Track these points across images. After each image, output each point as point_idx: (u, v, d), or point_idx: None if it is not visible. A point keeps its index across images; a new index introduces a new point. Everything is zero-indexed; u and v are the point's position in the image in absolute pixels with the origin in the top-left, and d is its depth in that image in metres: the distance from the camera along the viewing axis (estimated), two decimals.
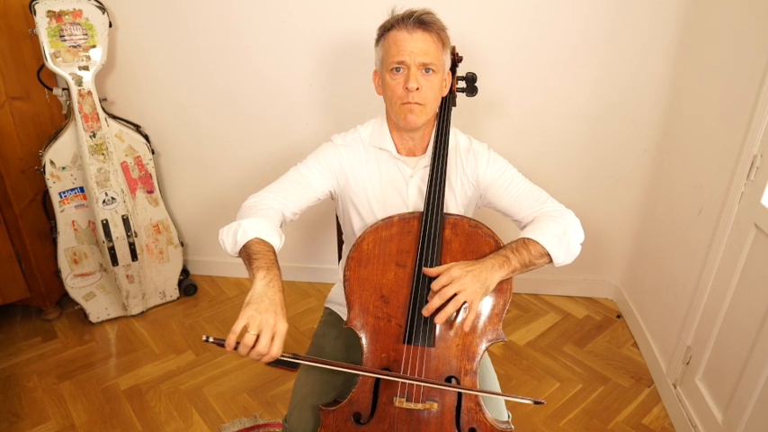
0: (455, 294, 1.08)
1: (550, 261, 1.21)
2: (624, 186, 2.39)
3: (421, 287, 1.15)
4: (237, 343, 0.95)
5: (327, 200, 1.40)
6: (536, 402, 1.11)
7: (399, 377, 1.12)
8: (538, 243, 1.19)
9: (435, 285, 1.10)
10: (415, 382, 1.12)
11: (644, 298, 2.34)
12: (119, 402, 2.00)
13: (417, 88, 1.20)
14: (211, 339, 0.95)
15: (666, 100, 2.16)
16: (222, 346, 0.95)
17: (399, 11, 1.23)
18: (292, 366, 2.28)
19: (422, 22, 1.19)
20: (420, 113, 1.23)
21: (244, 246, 1.12)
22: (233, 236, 1.13)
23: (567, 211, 1.27)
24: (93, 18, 2.05)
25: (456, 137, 1.36)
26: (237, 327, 0.95)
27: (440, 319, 1.08)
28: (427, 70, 1.21)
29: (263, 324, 0.96)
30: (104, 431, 1.88)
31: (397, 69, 1.21)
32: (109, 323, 2.45)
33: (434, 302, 1.09)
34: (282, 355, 0.99)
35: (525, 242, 1.19)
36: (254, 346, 0.95)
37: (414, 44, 1.19)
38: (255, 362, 0.99)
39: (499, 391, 1.32)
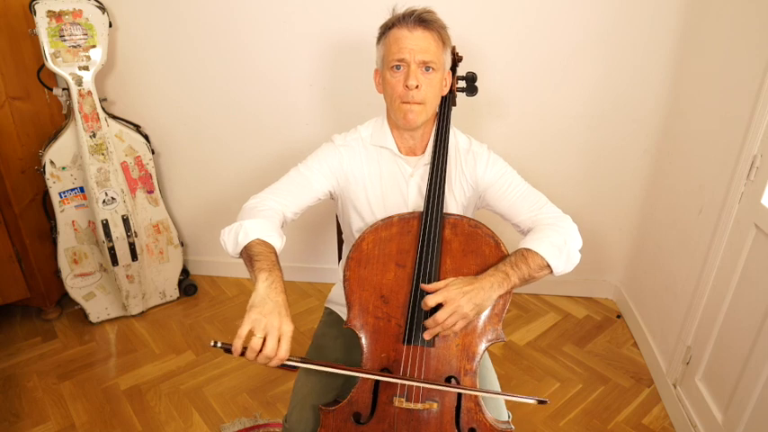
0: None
1: (551, 272, 1.20)
2: (624, 186, 2.39)
3: (420, 287, 1.15)
4: (244, 348, 0.95)
5: (328, 200, 1.40)
6: (540, 402, 1.10)
7: (400, 379, 1.12)
8: (538, 255, 1.17)
9: (430, 301, 1.10)
10: (416, 384, 1.12)
11: (644, 298, 2.34)
12: (119, 402, 2.00)
13: (417, 86, 1.20)
14: (219, 344, 0.95)
15: (667, 100, 2.16)
16: (229, 351, 0.95)
17: (400, 10, 1.23)
18: (292, 366, 2.28)
19: (422, 20, 1.19)
20: (419, 112, 1.23)
21: (245, 247, 1.12)
22: (234, 237, 1.14)
23: (565, 218, 1.26)
24: (94, 18, 2.05)
25: (456, 137, 1.36)
26: (243, 331, 0.95)
27: (427, 335, 1.12)
28: (427, 68, 1.21)
29: (269, 327, 0.96)
30: (104, 431, 1.88)
31: (398, 67, 1.21)
32: (109, 323, 2.45)
33: (429, 325, 1.12)
34: (290, 358, 0.98)
35: (525, 255, 1.18)
36: (261, 350, 0.95)
37: (414, 42, 1.19)
38: (263, 365, 0.98)
39: (499, 391, 1.32)
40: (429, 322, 1.11)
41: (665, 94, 2.15)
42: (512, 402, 1.25)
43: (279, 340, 0.96)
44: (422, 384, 1.12)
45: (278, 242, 1.15)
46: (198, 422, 1.92)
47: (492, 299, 1.13)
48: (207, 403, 2.00)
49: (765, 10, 1.56)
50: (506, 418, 1.26)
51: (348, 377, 1.29)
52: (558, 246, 1.19)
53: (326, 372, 1.29)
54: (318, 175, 1.32)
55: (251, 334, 0.95)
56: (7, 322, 2.43)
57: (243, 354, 0.96)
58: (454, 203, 1.35)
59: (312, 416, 1.23)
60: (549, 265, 1.18)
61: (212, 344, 0.95)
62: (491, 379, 1.34)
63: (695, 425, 1.77)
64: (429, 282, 1.15)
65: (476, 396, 1.15)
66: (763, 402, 1.47)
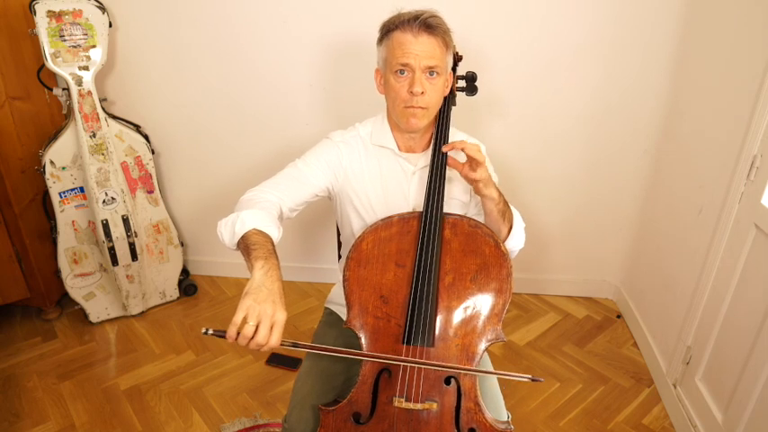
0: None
1: (508, 233, 1.28)
2: (625, 186, 2.38)
3: (420, 287, 1.15)
4: (238, 333, 0.96)
5: (325, 200, 1.40)
6: (533, 380, 1.14)
7: (399, 360, 1.12)
8: (514, 215, 1.29)
9: (449, 146, 1.20)
10: (416, 365, 1.13)
11: (644, 298, 2.34)
12: (119, 402, 2.00)
13: (422, 92, 1.20)
14: (211, 332, 0.96)
15: (667, 100, 2.16)
16: (223, 337, 0.96)
17: (405, 10, 1.22)
18: (292, 366, 2.28)
19: (428, 25, 1.18)
20: (423, 117, 1.24)
21: (242, 237, 1.11)
22: (231, 227, 1.13)
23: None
24: (94, 18, 2.05)
25: (455, 136, 1.36)
26: (237, 318, 0.95)
27: (445, 147, 1.22)
28: (432, 73, 1.21)
29: (262, 314, 0.96)
30: (104, 431, 1.88)
31: (402, 72, 1.21)
32: (109, 323, 2.45)
33: (455, 144, 1.19)
34: (283, 342, 0.99)
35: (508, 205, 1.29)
36: (253, 337, 0.96)
37: (419, 47, 1.18)
38: (257, 351, 0.98)
39: (498, 391, 1.33)
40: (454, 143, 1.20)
41: (665, 94, 2.15)
42: (511, 402, 1.25)
43: (271, 328, 0.96)
44: (420, 365, 1.12)
45: (275, 233, 1.14)
46: (198, 422, 1.92)
47: (490, 183, 1.22)
48: (207, 403, 2.00)
49: (765, 10, 1.56)
50: (506, 419, 1.26)
51: (348, 377, 1.30)
52: (522, 228, 1.32)
53: (323, 368, 1.30)
54: (316, 171, 1.31)
55: (245, 321, 0.95)
56: (7, 322, 2.43)
57: (236, 339, 0.97)
58: (459, 196, 1.36)
59: (312, 416, 1.23)
60: (511, 228, 1.28)
61: (204, 331, 0.96)
62: (491, 379, 1.34)
63: (695, 425, 1.77)
64: (430, 279, 1.15)
65: (475, 396, 1.15)
66: (763, 402, 1.47)
